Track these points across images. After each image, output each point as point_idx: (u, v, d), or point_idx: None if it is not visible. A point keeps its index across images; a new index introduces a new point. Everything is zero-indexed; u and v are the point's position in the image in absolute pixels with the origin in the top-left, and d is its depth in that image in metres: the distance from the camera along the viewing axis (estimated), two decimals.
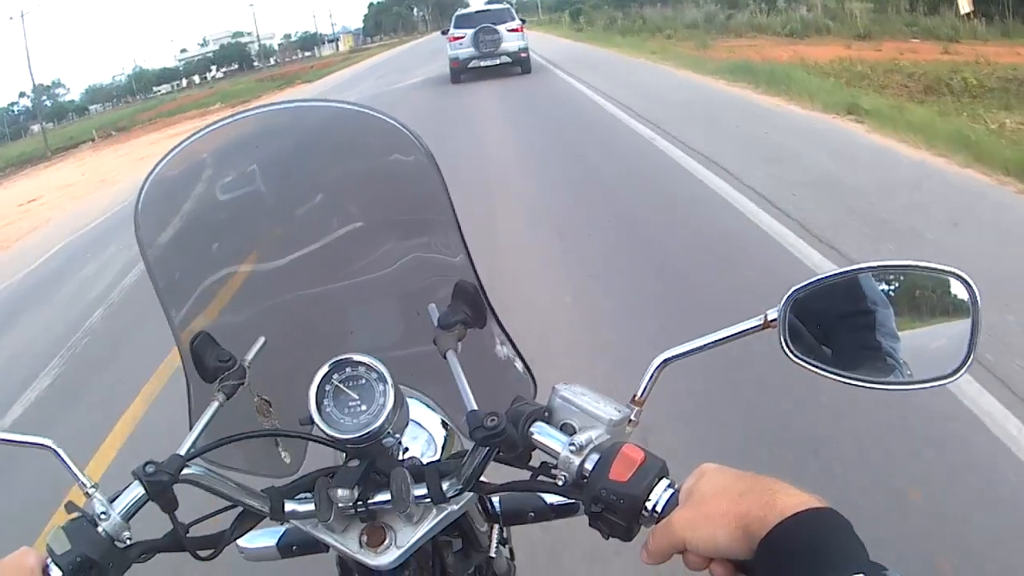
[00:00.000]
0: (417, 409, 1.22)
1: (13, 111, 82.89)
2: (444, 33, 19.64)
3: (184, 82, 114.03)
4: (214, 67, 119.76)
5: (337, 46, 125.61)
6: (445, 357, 1.05)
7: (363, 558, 0.96)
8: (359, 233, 1.21)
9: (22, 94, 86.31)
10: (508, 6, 19.45)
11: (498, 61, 18.21)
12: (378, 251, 1.22)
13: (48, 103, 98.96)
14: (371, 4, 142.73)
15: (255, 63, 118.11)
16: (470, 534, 1.20)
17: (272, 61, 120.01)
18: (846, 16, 21.68)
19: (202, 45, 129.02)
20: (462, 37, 18.01)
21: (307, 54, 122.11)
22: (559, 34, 40.12)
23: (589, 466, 0.82)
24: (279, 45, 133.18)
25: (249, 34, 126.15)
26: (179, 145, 1.11)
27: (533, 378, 1.14)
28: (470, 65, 18.20)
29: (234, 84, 51.94)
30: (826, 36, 20.70)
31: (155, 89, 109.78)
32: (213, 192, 1.17)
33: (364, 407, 0.95)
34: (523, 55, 18.26)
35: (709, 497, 0.74)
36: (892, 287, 0.88)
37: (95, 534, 0.86)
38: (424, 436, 1.21)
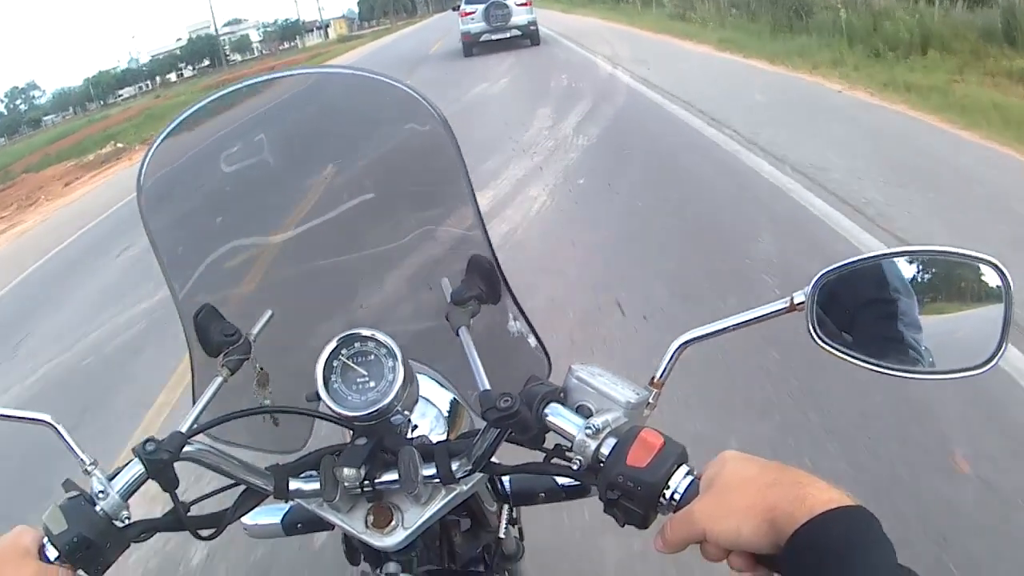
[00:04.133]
0: (428, 386, 1.20)
1: None
2: (455, 9, 20.38)
3: (150, 83, 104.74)
4: (183, 64, 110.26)
5: (327, 33, 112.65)
6: (457, 333, 1.02)
7: (369, 539, 0.94)
8: (371, 204, 1.18)
9: None
10: None
11: (508, 35, 18.84)
12: (390, 223, 1.19)
13: (24, 107, 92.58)
14: None
15: (229, 57, 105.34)
16: (479, 514, 1.18)
17: (262, 51, 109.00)
18: None
19: (191, 39, 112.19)
20: (473, 12, 18.66)
21: (290, 44, 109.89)
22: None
23: (606, 450, 0.80)
24: (263, 33, 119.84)
25: (244, 21, 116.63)
26: (184, 112, 1.07)
27: (548, 357, 1.11)
28: (481, 39, 18.88)
29: (177, 95, 39.82)
30: None
31: (118, 93, 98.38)
32: (220, 161, 1.14)
33: (372, 384, 0.93)
34: (532, 28, 18.86)
35: (733, 487, 0.71)
36: (919, 273, 0.86)
37: (92, 513, 0.83)
38: (434, 413, 1.19)
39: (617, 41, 16.80)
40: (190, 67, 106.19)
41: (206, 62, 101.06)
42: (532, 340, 1.12)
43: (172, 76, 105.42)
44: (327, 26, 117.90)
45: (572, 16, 28.13)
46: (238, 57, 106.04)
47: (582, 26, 22.66)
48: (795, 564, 0.65)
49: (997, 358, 0.81)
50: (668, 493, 0.75)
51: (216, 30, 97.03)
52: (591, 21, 24.86)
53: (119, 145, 20.05)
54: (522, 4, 18.54)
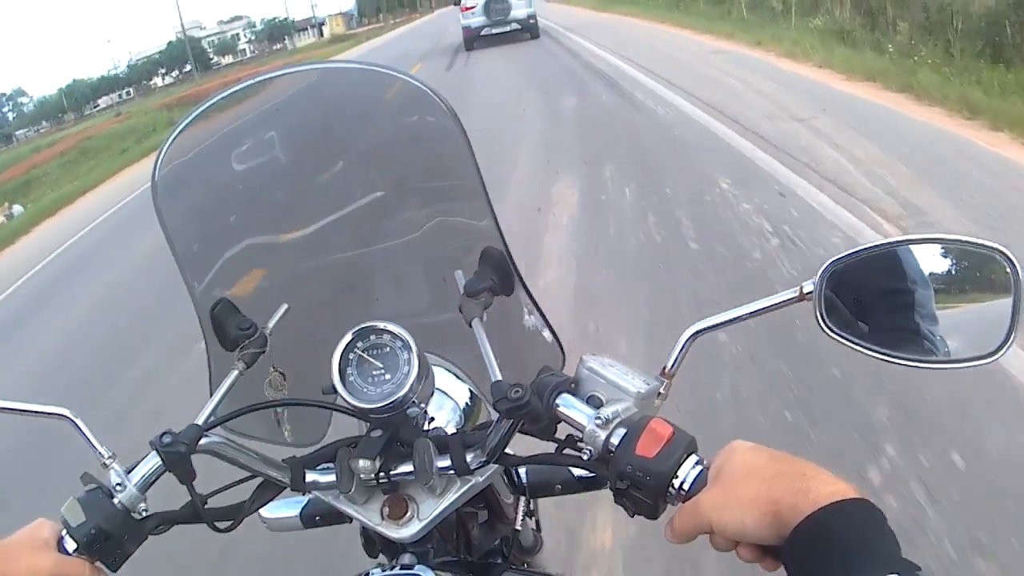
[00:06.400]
0: (444, 378, 1.21)
1: None
2: (456, 3, 20.70)
3: (131, 91, 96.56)
4: (163, 70, 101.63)
5: (321, 31, 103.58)
6: (471, 325, 1.03)
7: (385, 530, 0.95)
8: (383, 198, 1.19)
9: None
10: None
11: (508, 28, 19.20)
12: (403, 216, 1.20)
13: (11, 114, 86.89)
14: None
15: (213, 61, 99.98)
16: (495, 506, 1.19)
17: (253, 52, 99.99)
18: None
19: (170, 43, 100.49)
20: (474, 7, 18.95)
21: (280, 46, 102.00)
22: None
23: (615, 440, 0.80)
24: (250, 34, 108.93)
25: (244, 17, 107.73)
26: (197, 110, 1.09)
27: (562, 348, 1.12)
28: (482, 33, 19.21)
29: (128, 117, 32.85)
30: None
31: (96, 103, 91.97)
32: (232, 158, 1.15)
33: (388, 376, 0.93)
34: (531, 21, 19.19)
35: (739, 479, 0.71)
36: (931, 262, 0.86)
37: (110, 505, 0.85)
38: (450, 405, 1.20)
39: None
40: (173, 72, 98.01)
41: (187, 67, 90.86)
42: (546, 332, 1.13)
43: (158, 81, 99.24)
44: (322, 24, 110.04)
45: (606, 15, 24.37)
46: (228, 59, 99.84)
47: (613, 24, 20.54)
48: (798, 556, 0.65)
49: (1007, 346, 0.81)
50: (677, 483, 0.76)
51: (184, 30, 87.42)
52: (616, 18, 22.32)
53: (13, 209, 15.32)
54: None
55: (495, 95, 12.28)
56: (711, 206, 5.52)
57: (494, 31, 19.22)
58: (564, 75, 13.12)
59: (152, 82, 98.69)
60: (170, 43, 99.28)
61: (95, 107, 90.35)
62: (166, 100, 40.02)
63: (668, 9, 20.64)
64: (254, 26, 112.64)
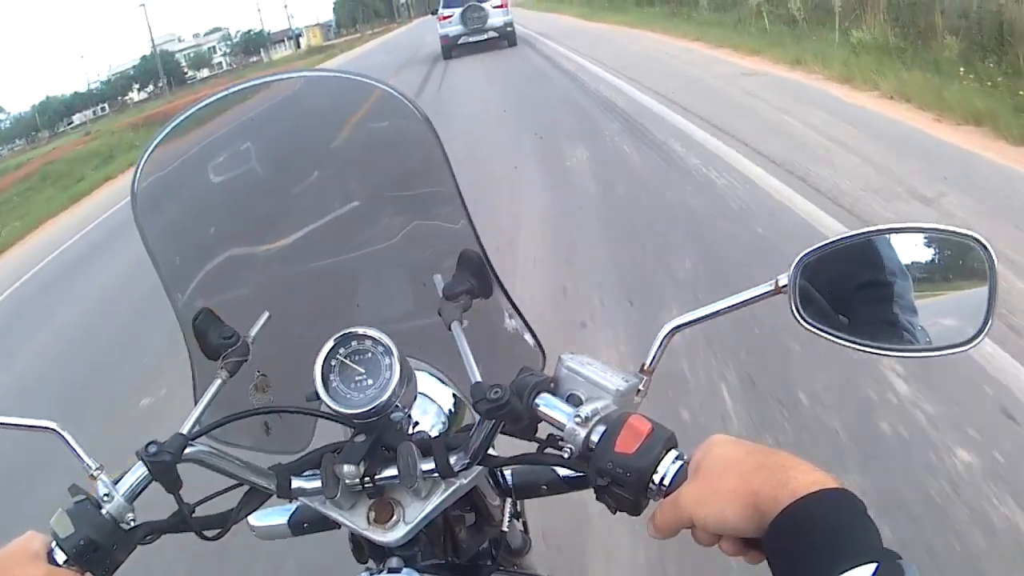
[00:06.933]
0: (427, 382, 1.21)
1: None
2: (434, 13, 21.01)
3: (107, 106, 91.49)
4: (136, 85, 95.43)
5: (299, 43, 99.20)
6: (450, 328, 1.04)
7: (371, 535, 0.95)
8: (360, 205, 1.20)
9: None
10: None
11: (485, 36, 19.35)
12: (381, 222, 1.21)
13: None
14: None
15: (187, 75, 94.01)
16: (482, 508, 1.19)
17: (231, 65, 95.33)
18: None
19: (143, 58, 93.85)
20: (451, 16, 19.10)
21: (256, 59, 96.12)
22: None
23: (595, 438, 0.81)
24: (226, 46, 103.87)
25: (223, 29, 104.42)
26: (173, 121, 1.09)
27: (542, 349, 1.12)
28: (460, 41, 19.35)
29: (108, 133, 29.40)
30: None
31: (70, 120, 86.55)
32: (210, 168, 1.16)
33: (370, 381, 0.94)
34: (508, 29, 19.35)
35: (719, 472, 0.72)
36: (908, 252, 0.86)
37: (99, 516, 0.86)
38: (434, 409, 1.20)
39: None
40: (148, 87, 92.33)
41: (161, 82, 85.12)
42: (527, 335, 1.13)
43: (135, 95, 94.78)
44: (299, 36, 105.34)
45: (600, 25, 21.96)
46: (205, 72, 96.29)
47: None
48: (778, 547, 0.65)
49: (984, 333, 0.82)
50: (657, 478, 0.76)
51: (154, 44, 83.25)
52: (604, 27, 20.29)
53: None
54: (498, 6, 19.01)
55: (477, 142, 9.00)
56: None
57: (472, 39, 19.34)
58: (567, 113, 9.96)
59: (128, 97, 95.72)
60: (144, 57, 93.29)
61: (69, 124, 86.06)
62: (133, 119, 37.57)
63: (666, 18, 18.70)
64: (230, 39, 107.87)
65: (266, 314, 1.11)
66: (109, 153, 21.50)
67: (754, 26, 13.49)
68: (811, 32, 11.49)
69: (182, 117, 1.09)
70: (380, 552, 1.06)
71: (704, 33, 14.56)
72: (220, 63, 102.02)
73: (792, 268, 0.83)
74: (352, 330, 0.95)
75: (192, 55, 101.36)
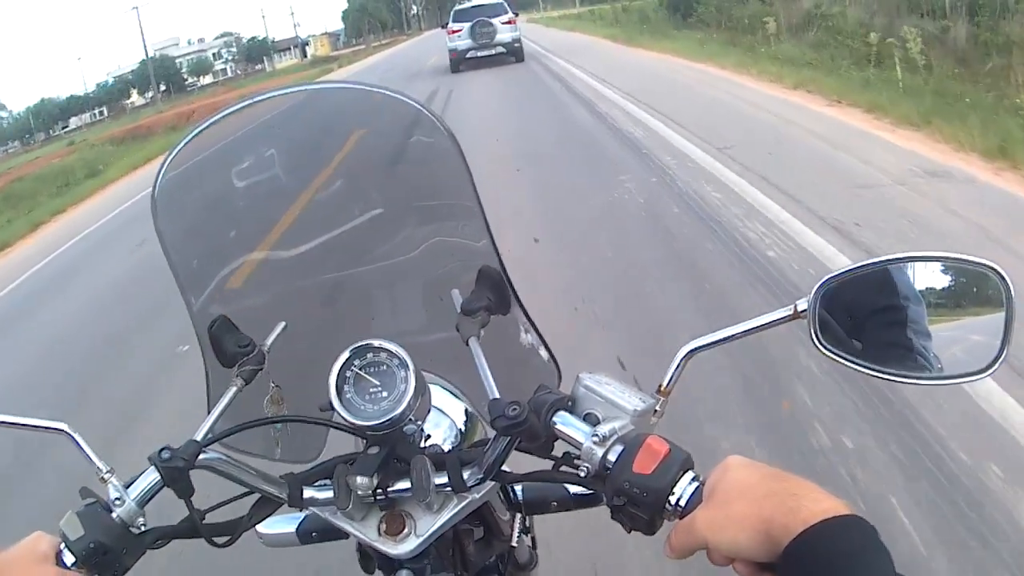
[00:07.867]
0: (440, 396, 1.21)
1: None
2: (444, 27, 21.25)
3: (105, 110, 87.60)
4: (134, 89, 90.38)
5: (305, 52, 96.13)
6: (467, 344, 1.04)
7: (382, 546, 0.95)
8: (381, 217, 1.20)
9: None
10: (502, 0, 20.35)
11: (493, 51, 19.71)
12: (400, 235, 1.21)
13: None
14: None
15: (188, 82, 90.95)
16: (492, 523, 1.19)
17: (236, 72, 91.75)
18: None
19: (142, 62, 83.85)
20: (460, 30, 19.54)
21: (259, 67, 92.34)
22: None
23: (612, 457, 0.81)
24: (229, 54, 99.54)
25: (235, 33, 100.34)
26: (195, 129, 1.10)
27: (558, 367, 1.13)
28: (468, 56, 19.67)
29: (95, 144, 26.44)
30: None
31: (65, 123, 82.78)
32: (231, 177, 1.17)
33: (385, 394, 0.94)
34: (516, 45, 19.81)
35: (732, 497, 0.72)
36: (924, 279, 0.86)
37: (109, 520, 0.86)
38: (447, 423, 1.20)
39: None
40: (147, 92, 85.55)
41: (160, 88, 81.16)
42: (543, 351, 1.13)
43: (135, 99, 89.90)
44: (305, 44, 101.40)
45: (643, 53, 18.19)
46: (207, 79, 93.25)
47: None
48: (793, 574, 0.66)
49: (999, 363, 0.82)
50: (673, 499, 0.76)
51: (146, 49, 78.39)
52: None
53: None
54: (507, 22, 19.44)
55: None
56: None
57: (479, 54, 19.67)
58: (619, 201, 6.36)
59: (129, 102, 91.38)
60: (142, 62, 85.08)
61: (64, 127, 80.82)
62: (118, 130, 33.21)
63: (722, 47, 15.21)
64: (232, 45, 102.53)
65: (282, 323, 1.11)
66: (83, 173, 18.34)
67: (868, 72, 9.65)
68: (967, 88, 7.81)
69: (204, 126, 1.10)
70: (389, 564, 1.06)
71: (785, 74, 10.80)
72: (224, 69, 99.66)
73: (812, 294, 0.83)
74: (368, 342, 0.95)
75: (193, 60, 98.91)
